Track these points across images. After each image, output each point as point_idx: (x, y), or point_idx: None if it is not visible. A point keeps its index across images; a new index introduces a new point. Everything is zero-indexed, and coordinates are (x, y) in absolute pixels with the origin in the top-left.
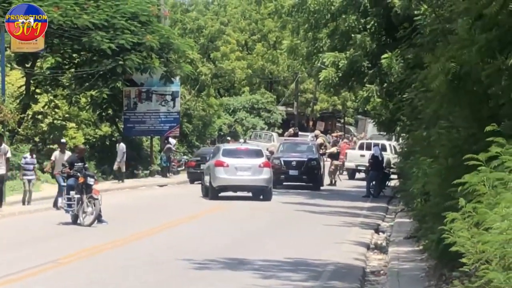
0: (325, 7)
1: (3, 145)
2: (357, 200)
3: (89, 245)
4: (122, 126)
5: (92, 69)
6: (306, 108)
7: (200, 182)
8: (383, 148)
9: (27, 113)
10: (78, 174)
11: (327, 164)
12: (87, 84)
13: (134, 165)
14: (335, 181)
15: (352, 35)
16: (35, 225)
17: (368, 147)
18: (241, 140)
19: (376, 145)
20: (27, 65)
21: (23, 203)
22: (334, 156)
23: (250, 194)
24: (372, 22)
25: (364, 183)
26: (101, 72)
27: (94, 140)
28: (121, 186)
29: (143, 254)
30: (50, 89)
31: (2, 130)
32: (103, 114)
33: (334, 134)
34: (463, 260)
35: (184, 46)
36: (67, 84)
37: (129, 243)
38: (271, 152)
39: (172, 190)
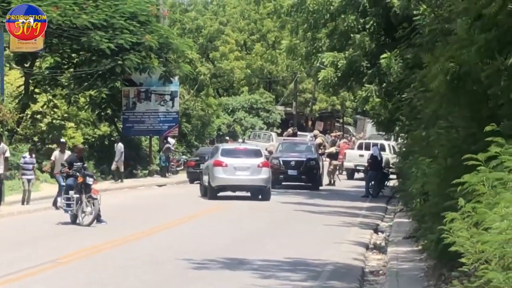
0: (324, 7)
1: (2, 144)
2: (356, 200)
3: (88, 245)
4: (121, 126)
5: (91, 69)
6: (305, 108)
7: (199, 182)
8: (382, 148)
9: (26, 112)
10: (77, 173)
11: (326, 164)
12: (86, 84)
13: (133, 165)
14: (334, 181)
15: (351, 35)
16: (34, 225)
17: (367, 147)
18: (240, 140)
19: (375, 145)
20: (26, 65)
21: (23, 203)
22: (333, 156)
23: (248, 194)
24: (371, 22)
25: (363, 183)
26: (100, 72)
27: (93, 140)
28: (120, 186)
29: (142, 254)
30: (49, 88)
31: (1, 129)
32: (102, 114)
33: (332, 134)
34: (463, 260)
35: (183, 46)
36: (66, 83)
37: (128, 243)
38: (270, 152)
39: (171, 190)
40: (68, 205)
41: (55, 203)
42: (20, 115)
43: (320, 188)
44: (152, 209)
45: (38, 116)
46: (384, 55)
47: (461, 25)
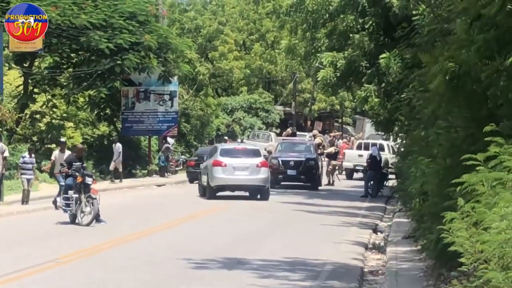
0: (323, 7)
1: (0, 144)
2: (355, 200)
3: (87, 245)
4: (120, 125)
5: (90, 68)
6: (304, 108)
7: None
8: (381, 148)
9: (25, 112)
10: (76, 173)
11: (325, 164)
12: (85, 83)
13: (132, 164)
14: (333, 181)
15: (350, 35)
16: (33, 224)
17: (366, 147)
18: (238, 140)
19: (374, 145)
20: (25, 65)
21: (23, 202)
22: (332, 156)
23: (247, 194)
24: (370, 22)
25: (362, 183)
26: (99, 72)
27: (92, 139)
28: (119, 186)
29: (141, 254)
30: (48, 88)
31: (0, 129)
32: (101, 113)
33: (331, 134)
34: (462, 259)
35: (182, 45)
36: (65, 83)
37: (128, 242)
38: (269, 152)
39: (170, 190)
40: (67, 205)
41: (55, 203)
42: (19, 115)
43: (319, 188)
44: (151, 209)
45: (37, 116)
46: (383, 55)
47: (460, 25)
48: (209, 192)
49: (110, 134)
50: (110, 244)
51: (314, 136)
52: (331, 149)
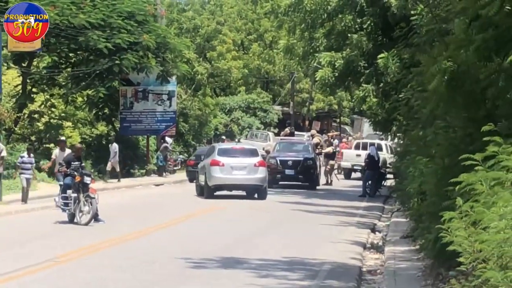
0: (321, 6)
1: None
2: (353, 199)
3: (86, 244)
4: (119, 125)
5: (89, 68)
6: (302, 108)
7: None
8: (379, 148)
9: (23, 112)
10: (75, 173)
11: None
12: (83, 83)
13: (130, 164)
14: (331, 181)
15: (349, 35)
16: (32, 224)
17: (364, 147)
18: (236, 140)
19: (372, 144)
20: (23, 64)
21: (22, 201)
22: (330, 156)
23: (244, 193)
24: (368, 22)
25: (360, 182)
26: (98, 72)
27: (90, 139)
28: (118, 185)
29: (140, 253)
30: (46, 88)
31: None
32: (100, 113)
33: (329, 134)
34: (460, 259)
35: (181, 45)
36: (63, 83)
37: (126, 242)
38: (267, 152)
39: (168, 189)
40: (66, 204)
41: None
42: (18, 115)
43: (317, 187)
44: (150, 208)
45: (36, 116)
46: (382, 55)
47: (459, 25)
48: (207, 192)
49: (109, 133)
50: (109, 243)
51: (312, 136)
52: (329, 149)
